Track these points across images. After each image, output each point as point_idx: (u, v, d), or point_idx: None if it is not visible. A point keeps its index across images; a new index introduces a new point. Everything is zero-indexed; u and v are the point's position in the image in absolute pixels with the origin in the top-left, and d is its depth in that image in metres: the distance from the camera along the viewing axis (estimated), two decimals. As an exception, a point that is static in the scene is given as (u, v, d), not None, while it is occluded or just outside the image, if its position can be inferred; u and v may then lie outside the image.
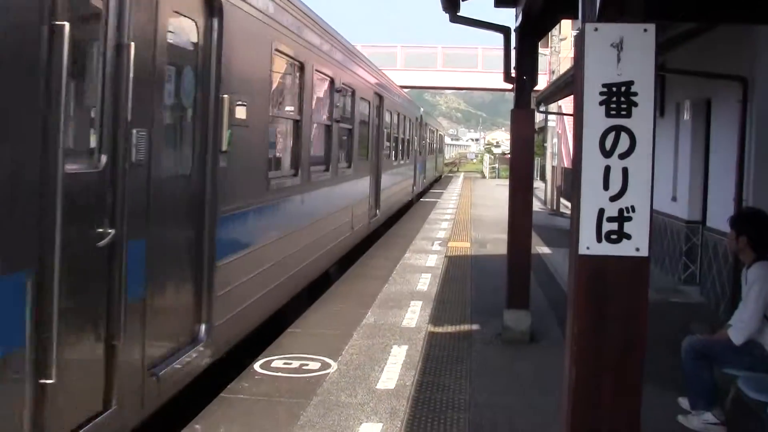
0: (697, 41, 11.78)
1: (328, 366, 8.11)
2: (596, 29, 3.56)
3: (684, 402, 7.00)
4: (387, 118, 20.21)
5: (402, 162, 24.83)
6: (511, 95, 10.39)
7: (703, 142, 12.75)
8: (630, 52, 3.52)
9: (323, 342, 9.02)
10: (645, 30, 3.54)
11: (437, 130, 51.16)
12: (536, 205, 24.59)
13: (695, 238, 12.97)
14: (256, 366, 8.00)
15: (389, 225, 21.92)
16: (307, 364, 8.14)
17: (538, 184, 36.24)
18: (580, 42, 3.63)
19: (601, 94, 3.54)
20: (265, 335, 9.02)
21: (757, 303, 6.52)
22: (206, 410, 6.69)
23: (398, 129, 23.48)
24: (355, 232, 14.88)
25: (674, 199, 13.82)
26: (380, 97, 18.26)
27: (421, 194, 35.65)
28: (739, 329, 6.53)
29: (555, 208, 31.15)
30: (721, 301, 11.06)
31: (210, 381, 7.38)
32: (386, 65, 39.15)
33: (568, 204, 28.95)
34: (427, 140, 38.95)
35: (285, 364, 8.14)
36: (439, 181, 53.12)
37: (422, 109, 34.65)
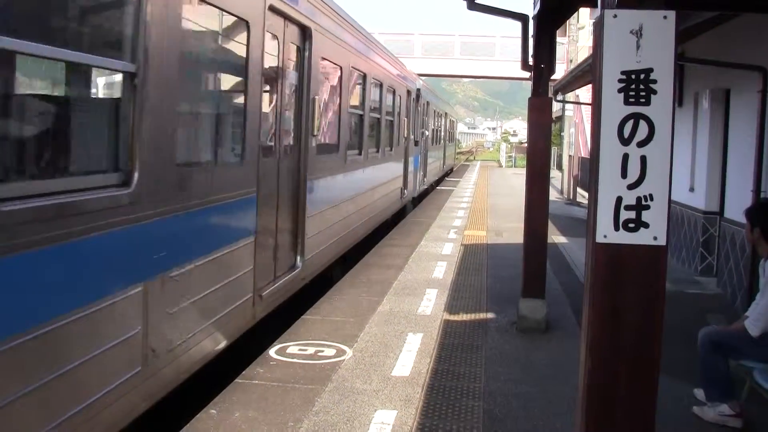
0: (716, 31, 11.70)
1: (344, 353, 8.12)
2: (615, 16, 3.53)
3: (699, 393, 6.97)
4: (331, 79, 11.63)
5: (378, 156, 16.19)
6: (529, 84, 10.35)
7: (722, 133, 12.68)
8: (649, 39, 3.49)
9: (338, 329, 9.03)
10: (665, 17, 3.50)
11: (446, 113, 40.91)
12: (553, 195, 24.55)
13: (713, 229, 12.90)
14: (272, 352, 8.02)
15: (363, 253, 14.36)
16: (322, 351, 8.16)
17: (554, 173, 36.15)
18: (599, 29, 3.60)
19: (620, 81, 3.51)
20: (280, 322, 9.04)
21: None
22: (221, 395, 6.72)
23: (365, 103, 14.40)
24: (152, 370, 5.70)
25: (692, 189, 13.75)
26: (303, 32, 9.47)
27: (422, 196, 27.73)
28: (755, 321, 6.50)
29: (571, 197, 31.05)
30: (738, 292, 11.00)
31: (225, 366, 7.41)
32: (403, 53, 39.08)
33: (585, 194, 28.91)
34: (431, 125, 30.12)
35: (300, 350, 8.16)
36: (450, 174, 46.98)
37: (421, 82, 25.14)
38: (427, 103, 27.46)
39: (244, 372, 7.39)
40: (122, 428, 5.22)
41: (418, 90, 24.09)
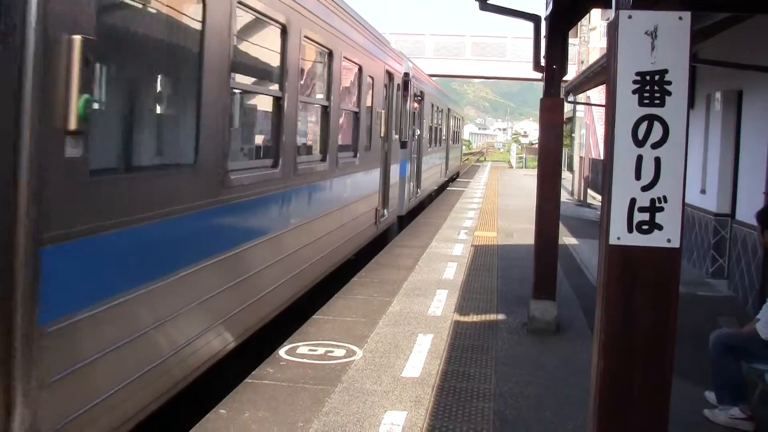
0: (728, 32, 11.66)
1: (354, 353, 8.11)
2: (630, 17, 3.51)
3: (710, 396, 6.94)
4: (164, 16, 5.95)
5: (326, 167, 10.57)
6: (539, 85, 10.35)
7: (734, 134, 12.63)
8: (664, 40, 3.47)
9: (349, 329, 9.02)
10: (680, 18, 3.48)
11: (450, 110, 33.71)
12: (563, 196, 24.46)
13: (724, 231, 12.85)
14: (282, 352, 8.02)
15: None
16: (332, 351, 8.15)
17: (565, 174, 36.09)
18: (613, 29, 3.59)
19: (635, 82, 3.49)
20: (290, 322, 9.04)
21: None
22: (231, 395, 6.72)
23: (288, 82, 8.59)
24: None
25: (703, 191, 13.70)
26: None
27: (415, 212, 22.16)
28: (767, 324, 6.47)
29: (582, 198, 30.98)
30: (750, 294, 10.95)
31: (235, 366, 7.42)
32: (415, 53, 39.10)
33: (596, 195, 28.88)
34: (428, 123, 24.47)
35: (310, 350, 8.15)
36: (456, 179, 41.52)
37: (410, 65, 19.29)
38: (422, 93, 21.84)
39: (254, 372, 7.38)
40: (132, 428, 5.23)
41: (407, 75, 18.50)
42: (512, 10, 10.21)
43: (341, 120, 11.64)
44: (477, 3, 9.82)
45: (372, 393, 6.93)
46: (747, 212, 11.01)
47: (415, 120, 20.75)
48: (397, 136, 17.23)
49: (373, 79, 13.81)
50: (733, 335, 6.84)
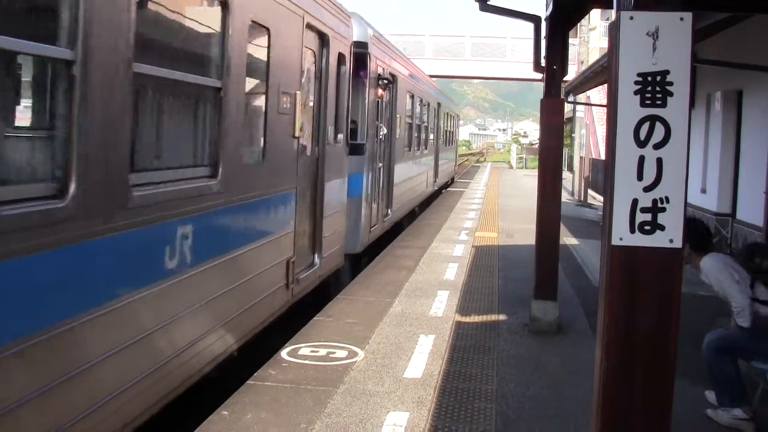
0: (728, 32, 11.67)
1: (355, 354, 8.11)
2: (632, 18, 3.52)
3: (711, 396, 6.94)
4: None
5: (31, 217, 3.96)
6: (539, 85, 10.36)
7: (734, 134, 12.65)
8: (666, 41, 3.48)
9: (350, 330, 9.03)
10: (681, 19, 3.49)
11: (438, 103, 27.32)
12: (564, 196, 24.42)
13: (725, 230, 12.86)
14: (283, 353, 8.02)
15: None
16: (334, 352, 8.15)
17: (565, 174, 36.06)
18: (615, 31, 3.59)
19: (636, 83, 3.50)
20: (292, 323, 9.04)
21: (733, 283, 6.57)
22: (233, 397, 6.72)
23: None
24: None
25: (703, 191, 13.72)
26: None
27: (382, 242, 15.74)
28: (739, 315, 6.53)
29: (582, 199, 30.99)
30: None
31: (237, 368, 7.42)
32: (414, 54, 39.10)
33: (596, 195, 28.87)
34: (405, 119, 18.70)
35: (312, 351, 8.15)
36: (450, 185, 36.65)
37: (370, 32, 13.53)
38: (392, 77, 15.81)
39: (256, 373, 7.39)
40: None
41: (363, 46, 13.09)
42: (512, 10, 10.22)
43: (154, 101, 5.99)
44: (477, 4, 9.82)
45: (374, 394, 6.94)
46: (747, 212, 11.03)
47: (380, 114, 15.01)
48: (340, 137, 11.31)
49: (269, 32, 7.71)
50: (723, 336, 6.83)
